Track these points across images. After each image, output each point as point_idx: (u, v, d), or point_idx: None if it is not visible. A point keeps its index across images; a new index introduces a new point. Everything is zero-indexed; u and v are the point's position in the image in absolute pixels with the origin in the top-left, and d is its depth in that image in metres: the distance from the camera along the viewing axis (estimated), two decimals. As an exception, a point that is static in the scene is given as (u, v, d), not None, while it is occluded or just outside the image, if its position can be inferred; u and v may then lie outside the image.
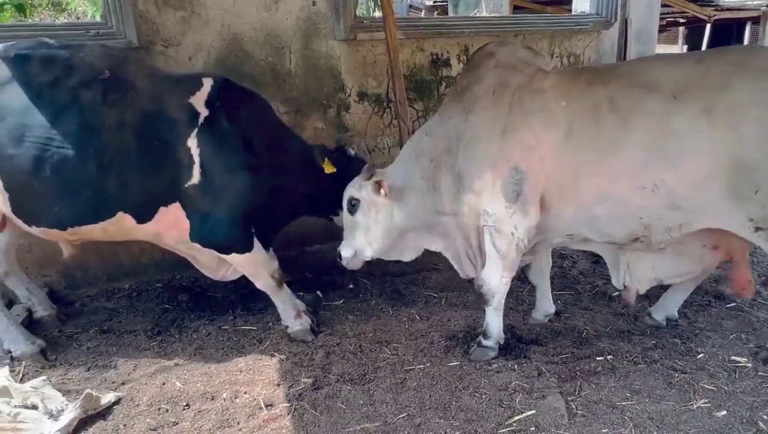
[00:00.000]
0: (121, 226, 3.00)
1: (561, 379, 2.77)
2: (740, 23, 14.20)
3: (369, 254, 3.19)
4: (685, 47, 15.77)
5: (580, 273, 4.14)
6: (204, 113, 3.00)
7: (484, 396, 2.67)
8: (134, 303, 3.92)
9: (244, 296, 3.97)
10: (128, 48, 3.78)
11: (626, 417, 2.47)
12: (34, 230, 3.01)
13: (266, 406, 2.68)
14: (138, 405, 2.74)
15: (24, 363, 3.07)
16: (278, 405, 2.69)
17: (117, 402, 2.76)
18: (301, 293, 3.92)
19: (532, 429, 2.43)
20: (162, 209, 2.99)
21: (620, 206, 2.68)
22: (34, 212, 2.93)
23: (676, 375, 2.76)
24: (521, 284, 3.75)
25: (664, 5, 8.24)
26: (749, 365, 2.82)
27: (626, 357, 2.94)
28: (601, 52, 6.19)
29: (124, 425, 2.59)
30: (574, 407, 2.56)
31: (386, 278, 4.13)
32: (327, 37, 4.60)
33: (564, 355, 3.01)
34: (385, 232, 3.13)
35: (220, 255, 3.18)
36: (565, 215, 2.80)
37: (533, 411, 2.52)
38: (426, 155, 3.07)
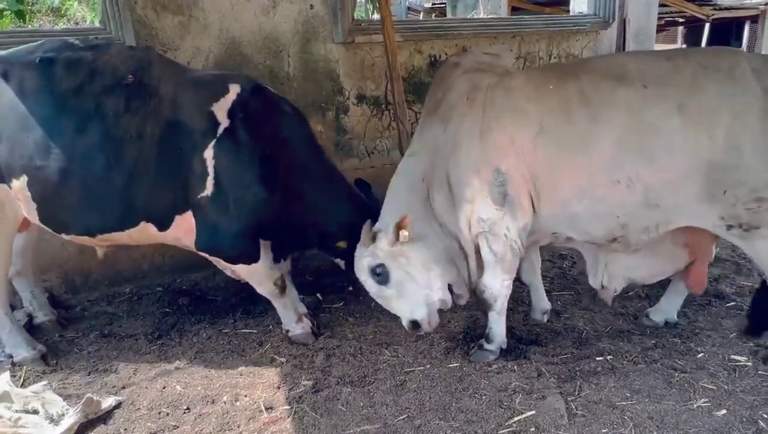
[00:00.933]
0: (146, 233, 3.00)
1: (561, 379, 2.77)
2: (739, 22, 14.21)
3: (438, 299, 2.94)
4: (684, 47, 15.79)
5: (580, 273, 4.13)
6: (224, 123, 2.88)
7: (484, 397, 2.67)
8: (135, 307, 3.93)
9: (244, 299, 3.97)
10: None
11: (626, 417, 2.47)
12: (64, 237, 3.02)
13: (266, 409, 2.68)
14: (138, 409, 2.75)
15: (25, 367, 3.07)
16: (278, 408, 2.69)
17: (117, 406, 2.77)
18: (301, 297, 3.93)
19: (532, 429, 2.43)
20: (177, 217, 2.96)
21: (597, 203, 2.69)
22: (63, 222, 2.93)
23: (676, 374, 2.76)
24: (521, 285, 3.75)
25: (662, 5, 8.25)
26: (749, 364, 2.82)
27: (626, 357, 2.94)
28: (600, 53, 6.19)
29: (125, 429, 2.60)
30: (573, 407, 2.56)
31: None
32: (325, 40, 4.62)
33: (564, 355, 3.01)
34: (429, 268, 2.91)
35: (226, 264, 3.16)
36: (546, 213, 2.82)
37: (533, 412, 2.52)
38: (419, 175, 3.00)
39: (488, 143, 2.77)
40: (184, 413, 2.70)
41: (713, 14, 11.51)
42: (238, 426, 2.58)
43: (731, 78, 2.50)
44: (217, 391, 2.85)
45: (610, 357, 2.95)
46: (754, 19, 13.42)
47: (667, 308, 3.30)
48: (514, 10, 10.16)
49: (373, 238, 2.87)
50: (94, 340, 3.46)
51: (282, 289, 3.25)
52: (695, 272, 3.06)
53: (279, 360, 3.13)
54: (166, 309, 3.86)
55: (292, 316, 3.30)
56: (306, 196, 3.13)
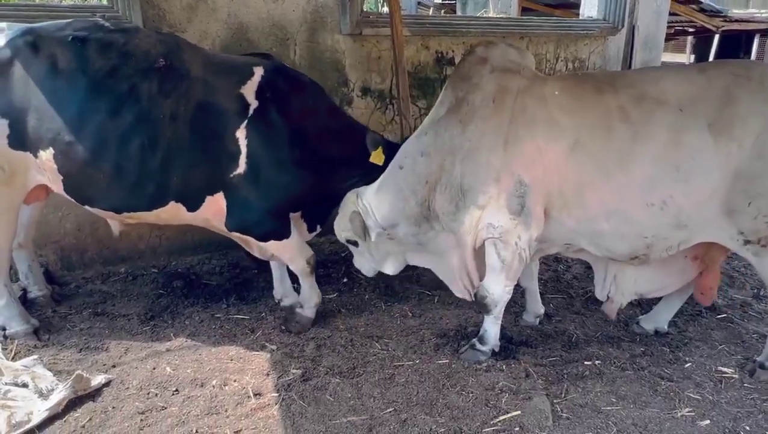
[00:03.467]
0: (174, 213, 3.04)
1: (548, 381, 2.79)
2: (749, 35, 14.17)
3: (372, 270, 3.40)
4: (693, 57, 15.75)
5: (574, 277, 4.16)
6: (254, 104, 2.98)
7: (470, 395, 2.69)
8: (129, 287, 3.94)
9: (238, 285, 3.99)
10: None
11: (610, 422, 2.49)
12: (88, 208, 3.06)
13: (255, 395, 2.70)
14: (128, 388, 2.77)
15: (17, 341, 3.09)
16: (266, 395, 2.71)
17: (107, 384, 2.78)
18: (294, 286, 3.95)
19: (517, 429, 2.45)
20: (209, 198, 3.02)
21: (626, 223, 2.63)
22: (89, 195, 2.97)
23: (663, 382, 2.78)
24: (515, 286, 3.77)
25: (672, 14, 8.23)
26: (735, 376, 2.84)
27: (614, 363, 2.96)
28: (607, 59, 6.19)
29: (113, 407, 2.61)
30: (559, 409, 2.58)
31: (380, 274, 4.14)
32: (333, 30, 4.61)
33: (552, 358, 3.03)
34: (384, 257, 3.29)
35: (258, 242, 3.23)
36: (566, 226, 2.77)
37: (518, 412, 2.54)
38: (423, 177, 2.92)
39: (513, 152, 2.67)
40: (173, 394, 2.72)
41: (723, 26, 11.48)
42: (226, 411, 2.59)
43: (762, 87, 2.49)
44: (207, 375, 2.87)
45: (599, 361, 2.97)
46: (764, 33, 13.39)
47: (658, 317, 3.32)
48: (524, 10, 10.12)
49: (351, 220, 3.07)
50: (86, 318, 3.47)
51: (313, 269, 3.36)
52: (704, 282, 3.02)
53: (270, 347, 3.14)
54: (160, 291, 3.87)
55: (313, 298, 3.40)
56: (335, 159, 3.24)
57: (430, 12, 12.65)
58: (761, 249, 2.56)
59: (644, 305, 3.54)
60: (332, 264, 4.38)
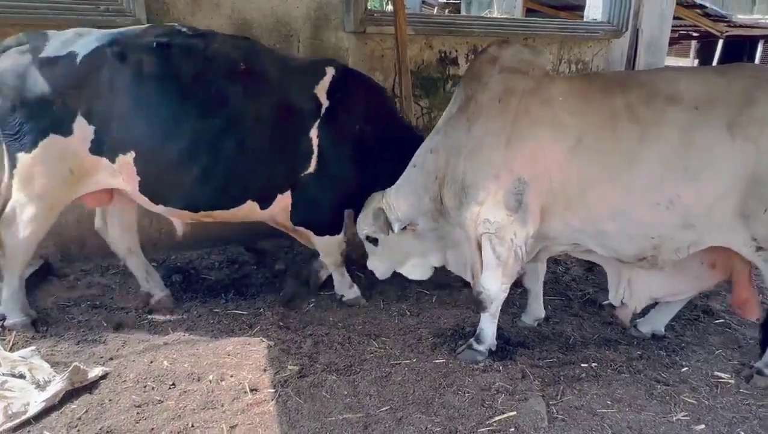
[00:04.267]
0: (248, 212, 3.16)
1: (544, 383, 2.79)
2: (753, 41, 14.15)
3: (387, 271, 3.44)
4: (696, 61, 15.72)
5: (573, 280, 4.16)
6: (325, 103, 3.11)
7: (467, 395, 2.69)
8: (128, 281, 3.94)
9: (236, 280, 3.99)
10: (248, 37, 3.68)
11: (605, 425, 2.49)
12: (159, 208, 3.11)
13: (251, 390, 2.70)
14: (125, 381, 2.77)
15: (15, 332, 3.09)
16: (263, 390, 2.71)
17: (104, 376, 2.79)
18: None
19: (512, 430, 2.45)
20: (279, 196, 3.18)
21: (632, 223, 2.62)
22: (167, 196, 3.04)
23: (659, 386, 2.78)
24: (513, 288, 3.77)
25: (676, 18, 8.22)
26: (732, 381, 2.84)
27: (611, 366, 2.96)
28: (610, 61, 6.19)
29: (110, 400, 2.62)
30: (554, 411, 2.58)
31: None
32: (336, 28, 4.61)
33: (549, 359, 3.03)
34: (406, 256, 3.32)
35: (313, 235, 3.38)
36: (571, 225, 2.77)
37: (514, 413, 2.54)
38: (432, 174, 3.00)
39: (514, 151, 2.70)
40: (170, 388, 2.72)
41: (727, 31, 11.47)
42: (222, 405, 2.60)
43: None
44: (204, 369, 2.87)
45: (595, 364, 2.97)
46: (767, 39, 13.37)
47: (655, 321, 3.32)
48: (528, 11, 10.12)
49: (376, 216, 3.12)
50: (85, 310, 3.48)
51: (344, 260, 3.52)
52: (735, 294, 2.94)
53: (267, 343, 3.14)
54: (159, 285, 3.87)
55: (346, 283, 3.58)
56: (390, 161, 3.27)
57: (435, 11, 12.65)
58: None
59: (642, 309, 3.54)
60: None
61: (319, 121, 3.09)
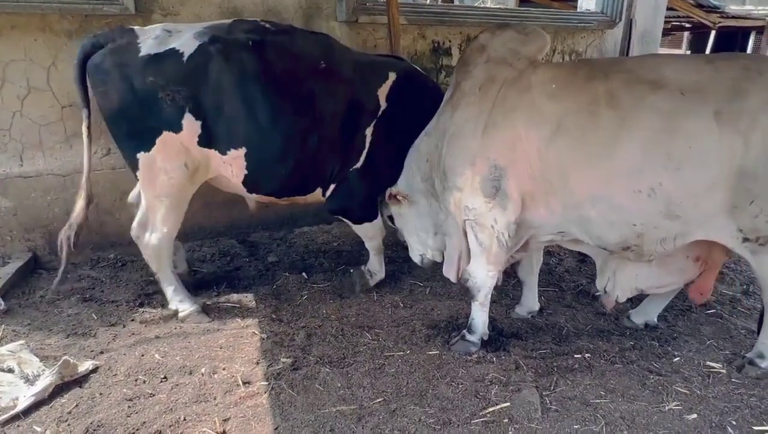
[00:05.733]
0: (315, 197, 3.46)
1: (538, 374, 2.80)
2: (744, 32, 14.20)
3: (429, 252, 3.42)
4: (689, 52, 15.75)
5: (566, 271, 4.17)
6: (383, 105, 3.33)
7: (460, 386, 2.69)
8: (118, 274, 3.91)
9: (229, 273, 3.96)
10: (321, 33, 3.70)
11: (598, 415, 2.50)
12: (252, 196, 3.38)
13: (244, 383, 2.69)
14: (115, 374, 2.74)
15: (2, 326, 3.05)
16: (256, 383, 2.69)
17: (94, 370, 2.76)
18: (286, 274, 3.93)
19: (506, 421, 2.45)
20: (332, 185, 3.42)
21: (613, 210, 2.61)
22: (262, 185, 3.27)
23: (651, 376, 2.79)
24: (506, 278, 3.77)
25: (670, 9, 8.20)
26: (723, 371, 2.85)
27: (604, 356, 2.97)
28: (604, 52, 6.17)
29: (101, 394, 2.59)
30: (548, 402, 2.58)
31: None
32: (328, 17, 4.56)
33: (543, 350, 3.03)
34: (419, 232, 3.36)
35: (351, 223, 3.61)
36: (555, 212, 2.77)
37: (507, 404, 2.55)
38: (424, 156, 3.12)
39: (490, 138, 2.73)
40: (161, 382, 2.70)
41: (720, 22, 11.49)
42: (214, 398, 2.58)
43: None
44: (196, 362, 2.85)
45: (588, 355, 2.98)
46: (759, 30, 13.41)
47: (648, 311, 3.33)
48: (522, 1, 10.07)
49: (389, 196, 3.33)
50: (74, 303, 3.44)
51: (382, 244, 3.73)
52: (701, 282, 3.00)
53: (260, 335, 3.12)
54: (150, 278, 3.83)
55: (379, 265, 3.77)
56: None
57: (428, 0, 12.54)
58: (759, 248, 2.54)
59: (635, 299, 3.55)
60: (324, 254, 4.37)
61: (375, 120, 3.31)
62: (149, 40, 2.89)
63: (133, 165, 3.02)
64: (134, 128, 2.92)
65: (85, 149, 3.07)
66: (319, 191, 3.44)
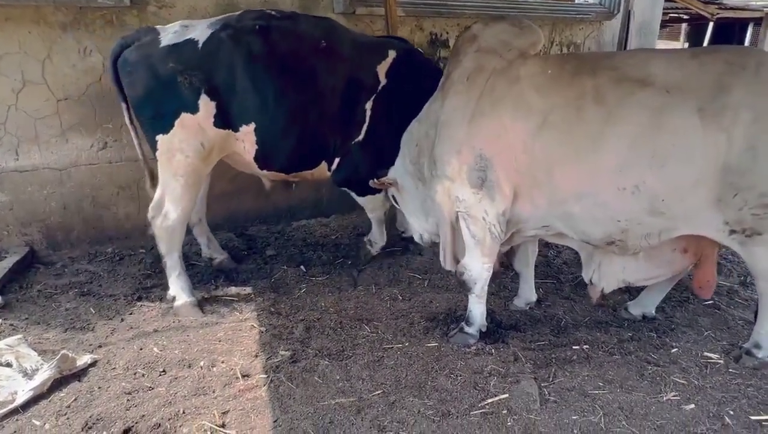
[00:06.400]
0: (321, 171, 3.61)
1: (536, 365, 2.80)
2: (742, 24, 14.16)
3: (423, 232, 3.46)
4: (686, 45, 15.72)
5: (564, 263, 4.18)
6: (383, 81, 3.47)
7: (459, 378, 2.69)
8: (116, 268, 3.90)
9: (227, 266, 3.95)
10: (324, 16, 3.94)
11: (597, 406, 2.51)
12: (264, 173, 3.55)
13: (243, 376, 2.69)
14: (114, 368, 2.74)
15: (0, 320, 3.04)
16: (255, 376, 2.70)
17: (93, 364, 2.76)
18: (284, 267, 3.93)
19: (504, 412, 2.46)
20: (336, 159, 3.57)
21: (597, 206, 2.61)
22: (272, 160, 3.43)
23: (649, 367, 2.80)
24: (504, 270, 3.77)
25: (667, 0, 8.17)
26: (721, 361, 2.86)
27: (602, 348, 2.98)
28: (602, 44, 6.15)
29: (99, 387, 2.59)
30: (546, 393, 2.59)
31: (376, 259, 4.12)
32: (325, 9, 4.53)
33: (541, 342, 3.04)
34: (416, 212, 3.39)
35: (355, 196, 3.80)
36: (539, 206, 2.77)
37: (506, 395, 2.55)
38: (414, 141, 3.15)
39: (476, 127, 2.73)
40: (160, 375, 2.70)
41: (718, 13, 11.44)
42: (213, 392, 2.58)
43: (757, 77, 2.40)
44: (194, 356, 2.85)
45: (587, 346, 2.98)
46: (757, 22, 13.37)
47: (646, 303, 3.34)
48: (519, -7, 9.98)
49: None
50: (72, 298, 3.43)
51: (386, 218, 3.91)
52: (699, 274, 2.98)
53: (258, 328, 3.13)
54: (148, 271, 3.83)
55: (381, 238, 3.99)
56: None
57: (425, -7, 12.45)
58: (746, 239, 2.54)
59: (633, 291, 3.56)
60: (322, 247, 4.36)
61: (375, 96, 3.45)
62: (169, 34, 3.14)
63: (153, 146, 3.20)
64: (156, 112, 3.12)
65: (134, 138, 3.28)
66: (324, 165, 3.57)
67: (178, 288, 3.32)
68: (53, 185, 3.96)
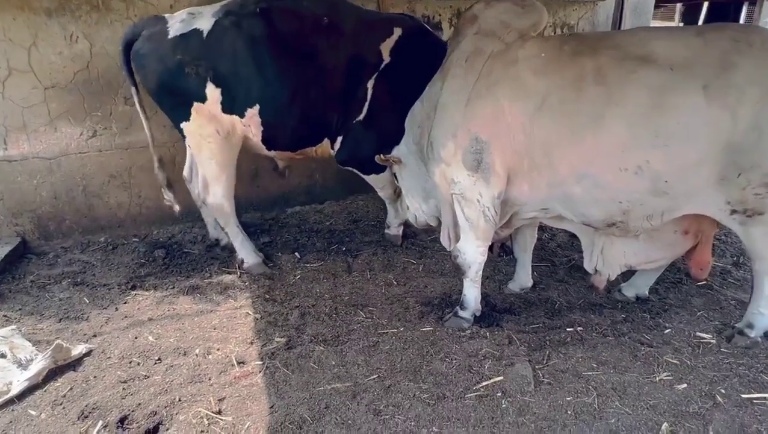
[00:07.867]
0: (324, 149, 3.64)
1: (530, 348, 2.82)
2: (737, 3, 14.06)
3: (418, 213, 3.51)
4: (682, 24, 15.61)
5: (558, 246, 4.18)
6: (386, 60, 3.44)
7: (454, 361, 2.71)
8: (109, 257, 3.88)
9: (221, 254, 3.94)
10: None
11: (590, 387, 2.53)
12: (270, 153, 3.62)
13: (238, 363, 2.69)
14: (109, 357, 2.74)
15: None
16: (250, 363, 2.70)
17: (88, 353, 2.75)
18: (278, 254, 3.92)
19: (499, 394, 2.48)
20: (339, 137, 3.58)
21: (598, 187, 2.58)
22: (278, 140, 3.50)
23: (642, 348, 2.82)
24: (500, 254, 3.78)
25: (662, -21, 8.08)
26: (713, 341, 2.89)
27: (596, 329, 2.99)
28: (596, 24, 6.10)
29: (95, 376, 2.59)
30: (541, 375, 2.61)
31: (372, 244, 4.12)
32: (316, -9, 4.43)
33: (535, 325, 3.05)
34: (415, 192, 3.41)
35: (359, 174, 3.81)
36: (539, 188, 2.75)
37: (501, 378, 2.57)
38: (417, 122, 3.14)
39: (473, 110, 2.71)
40: (155, 363, 2.70)
41: (713, -7, 11.33)
42: (209, 379, 2.59)
43: (763, 54, 2.36)
44: (190, 343, 2.85)
45: (580, 328, 3.00)
46: (752, 1, 13.28)
47: (639, 284, 3.35)
48: (513, -26, 9.86)
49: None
50: (66, 287, 3.42)
51: (398, 195, 3.87)
52: (698, 257, 2.99)
53: (253, 315, 3.12)
54: (142, 260, 3.82)
55: (398, 220, 4.02)
56: None
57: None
58: (747, 219, 2.53)
59: (626, 272, 3.57)
60: (316, 234, 4.35)
61: (377, 74, 3.42)
62: (176, 24, 3.21)
63: (181, 133, 3.38)
64: (173, 102, 3.27)
65: (144, 122, 3.41)
66: (327, 142, 3.60)
67: (245, 252, 3.63)
68: (43, 174, 3.93)
